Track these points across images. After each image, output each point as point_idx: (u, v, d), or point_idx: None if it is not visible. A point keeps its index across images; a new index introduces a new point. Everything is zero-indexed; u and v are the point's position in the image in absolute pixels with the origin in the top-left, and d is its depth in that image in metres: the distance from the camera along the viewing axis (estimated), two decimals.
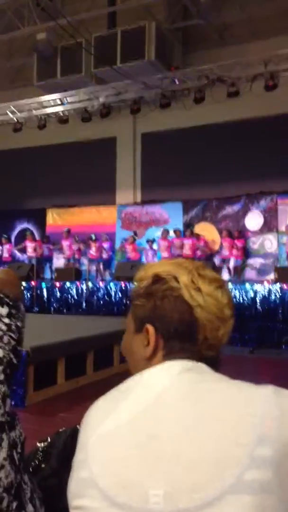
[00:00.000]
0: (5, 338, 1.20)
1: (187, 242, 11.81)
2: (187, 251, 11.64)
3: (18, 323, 1.24)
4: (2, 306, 1.23)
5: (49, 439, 1.37)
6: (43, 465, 1.31)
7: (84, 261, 12.89)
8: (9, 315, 1.23)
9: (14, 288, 1.30)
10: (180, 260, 0.97)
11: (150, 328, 0.91)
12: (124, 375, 0.93)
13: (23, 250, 13.63)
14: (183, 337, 0.90)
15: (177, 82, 10.98)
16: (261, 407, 0.77)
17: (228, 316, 0.92)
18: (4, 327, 1.21)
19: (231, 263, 11.47)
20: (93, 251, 12.60)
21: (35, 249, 12.97)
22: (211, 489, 0.71)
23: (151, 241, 12.20)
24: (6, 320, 1.22)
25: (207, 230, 12.17)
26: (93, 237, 12.67)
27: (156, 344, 0.91)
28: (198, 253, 11.71)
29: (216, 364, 0.91)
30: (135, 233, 12.72)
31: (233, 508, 0.70)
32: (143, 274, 0.95)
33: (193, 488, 0.72)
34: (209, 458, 0.73)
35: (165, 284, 0.91)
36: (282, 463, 0.72)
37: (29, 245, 13.31)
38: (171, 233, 12.17)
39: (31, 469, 1.26)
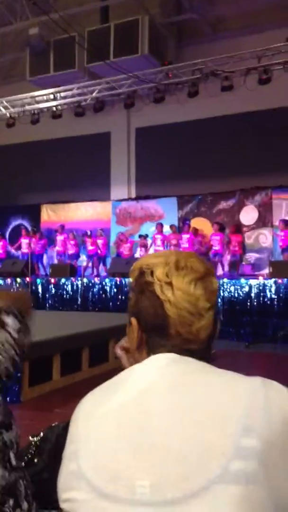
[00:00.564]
0: (10, 350, 1.28)
1: (185, 237, 11.76)
2: (184, 245, 11.60)
3: (25, 340, 1.34)
4: (15, 320, 1.32)
5: (42, 434, 1.37)
6: (36, 460, 1.31)
7: (80, 257, 12.86)
8: (19, 330, 1.32)
9: (26, 307, 1.42)
10: (168, 252, 0.96)
11: (133, 321, 0.94)
12: (120, 370, 0.93)
13: (19, 247, 13.59)
14: (159, 332, 0.89)
15: (170, 76, 10.93)
16: (248, 398, 0.77)
17: (204, 309, 0.89)
18: (11, 340, 1.29)
19: (227, 258, 11.46)
20: (88, 246, 12.56)
21: (29, 245, 12.93)
22: (198, 480, 0.72)
23: (143, 236, 12.16)
24: (15, 335, 1.31)
25: (202, 225, 12.17)
26: (89, 232, 12.63)
27: (139, 337, 0.93)
28: (195, 248, 11.69)
29: (205, 357, 0.89)
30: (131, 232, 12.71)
31: (220, 498, 0.71)
32: (133, 268, 0.96)
33: (180, 478, 0.72)
34: (195, 449, 0.73)
35: (144, 278, 0.92)
36: (268, 454, 0.73)
37: (24, 241, 13.26)
38: (167, 228, 12.14)
39: (23, 464, 1.26)
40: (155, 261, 0.92)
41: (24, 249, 13.12)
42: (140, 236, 12.29)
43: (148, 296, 0.90)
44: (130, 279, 0.97)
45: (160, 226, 12.13)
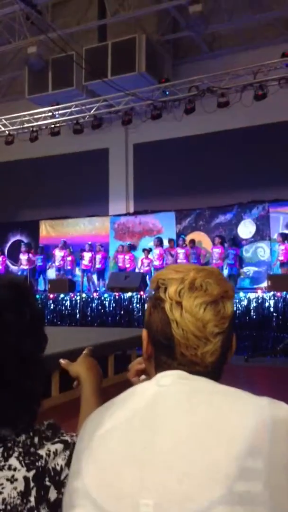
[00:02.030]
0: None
1: (181, 251, 11.82)
2: (181, 260, 11.64)
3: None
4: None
5: None
6: None
7: (78, 272, 12.88)
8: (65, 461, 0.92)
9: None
10: (190, 267, 0.92)
11: (144, 333, 0.93)
12: (119, 385, 0.93)
13: (17, 262, 13.63)
14: (165, 350, 0.88)
15: (167, 94, 11.06)
16: (254, 418, 0.76)
17: (212, 335, 0.86)
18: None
19: (226, 272, 11.47)
20: (86, 261, 12.59)
21: (28, 261, 12.95)
22: (202, 500, 0.71)
23: (147, 251, 12.18)
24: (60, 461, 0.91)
25: (200, 239, 12.21)
26: (87, 247, 12.67)
27: (148, 350, 0.93)
28: (192, 262, 11.72)
29: (215, 377, 0.87)
30: (132, 245, 12.75)
31: None
32: (152, 279, 0.95)
33: (184, 498, 0.72)
34: (200, 469, 0.72)
35: (158, 292, 0.90)
36: (273, 476, 0.72)
37: (23, 258, 13.30)
38: (166, 243, 12.19)
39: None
40: (173, 277, 0.90)
41: (24, 265, 13.15)
42: (144, 250, 12.29)
43: (159, 312, 0.89)
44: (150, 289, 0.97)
45: (158, 241, 12.18)
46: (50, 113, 12.12)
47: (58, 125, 12.16)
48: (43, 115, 12.27)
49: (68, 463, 0.90)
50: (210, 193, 11.87)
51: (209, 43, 11.97)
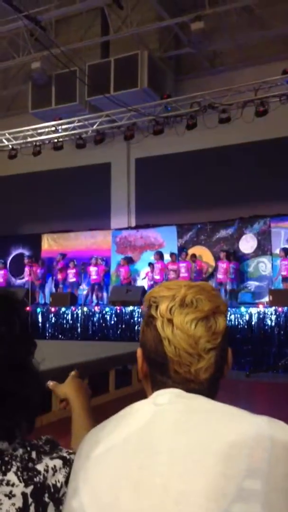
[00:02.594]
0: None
1: (183, 265, 11.83)
2: (183, 274, 11.63)
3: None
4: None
5: None
6: None
7: (80, 286, 12.88)
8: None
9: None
10: (182, 283, 0.92)
11: (138, 351, 0.93)
12: (120, 400, 0.94)
13: (19, 275, 13.66)
14: (159, 368, 0.88)
15: (169, 109, 11.16)
16: (253, 438, 0.74)
17: (204, 351, 0.85)
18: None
19: (227, 286, 11.45)
20: (89, 275, 12.60)
21: (29, 274, 12.97)
22: None
23: (152, 265, 12.15)
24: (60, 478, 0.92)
25: (201, 254, 12.22)
26: (89, 261, 12.69)
27: (143, 368, 0.93)
28: (194, 276, 11.71)
29: (209, 394, 0.86)
30: (130, 258, 12.76)
31: None
32: (145, 298, 0.95)
33: None
34: (197, 490, 0.71)
35: (150, 310, 0.90)
36: (272, 497, 0.70)
37: (25, 270, 13.34)
38: (167, 257, 12.19)
39: None
40: (164, 294, 0.89)
41: (27, 278, 13.20)
42: (149, 264, 12.24)
43: (152, 330, 0.88)
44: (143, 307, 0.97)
45: (158, 255, 12.19)
46: (53, 128, 12.21)
47: (61, 139, 12.25)
48: (46, 129, 12.37)
49: (67, 481, 0.89)
50: (212, 208, 11.91)
51: (211, 60, 12.10)
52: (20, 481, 0.86)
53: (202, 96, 10.67)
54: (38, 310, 11.53)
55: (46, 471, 0.89)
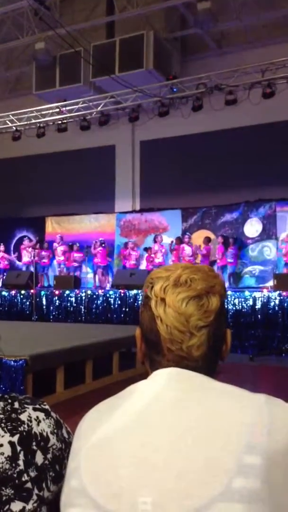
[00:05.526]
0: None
1: (187, 249, 11.80)
2: (189, 258, 11.63)
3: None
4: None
5: None
6: None
7: (84, 268, 12.90)
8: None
9: None
10: (179, 265, 0.93)
11: (137, 331, 0.95)
12: (124, 383, 0.94)
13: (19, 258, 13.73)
14: (154, 347, 0.89)
15: (175, 91, 11.03)
16: (251, 415, 0.76)
17: (195, 328, 0.86)
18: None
19: (228, 270, 11.47)
20: (93, 258, 12.61)
21: (34, 257, 12.99)
22: (200, 497, 0.71)
23: (149, 249, 12.21)
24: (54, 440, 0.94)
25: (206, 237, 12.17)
26: (93, 244, 12.69)
27: (142, 348, 0.94)
28: (199, 259, 11.69)
29: (208, 372, 0.87)
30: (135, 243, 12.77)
31: None
32: (146, 279, 0.96)
33: (183, 495, 0.72)
34: (198, 466, 0.72)
35: (146, 291, 0.92)
36: (272, 472, 0.71)
37: (27, 253, 13.38)
38: (168, 240, 12.18)
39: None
40: (161, 275, 0.91)
41: (29, 259, 13.25)
42: (145, 249, 12.33)
43: (147, 310, 0.90)
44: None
45: (159, 238, 12.19)
46: (57, 109, 12.11)
47: (65, 121, 12.16)
48: (50, 111, 12.27)
49: (53, 432, 0.92)
50: (217, 192, 11.84)
51: (218, 40, 11.91)
52: (5, 432, 0.87)
53: (208, 77, 10.54)
54: (42, 293, 11.58)
55: (30, 420, 0.91)
